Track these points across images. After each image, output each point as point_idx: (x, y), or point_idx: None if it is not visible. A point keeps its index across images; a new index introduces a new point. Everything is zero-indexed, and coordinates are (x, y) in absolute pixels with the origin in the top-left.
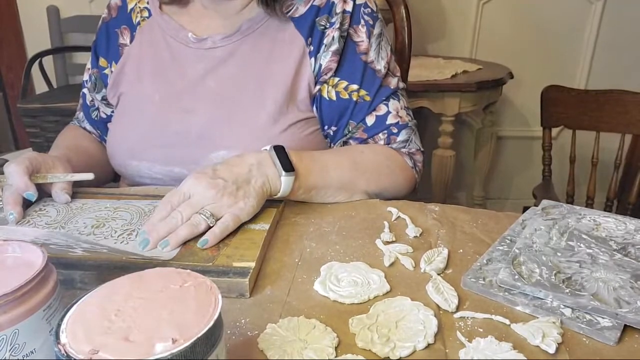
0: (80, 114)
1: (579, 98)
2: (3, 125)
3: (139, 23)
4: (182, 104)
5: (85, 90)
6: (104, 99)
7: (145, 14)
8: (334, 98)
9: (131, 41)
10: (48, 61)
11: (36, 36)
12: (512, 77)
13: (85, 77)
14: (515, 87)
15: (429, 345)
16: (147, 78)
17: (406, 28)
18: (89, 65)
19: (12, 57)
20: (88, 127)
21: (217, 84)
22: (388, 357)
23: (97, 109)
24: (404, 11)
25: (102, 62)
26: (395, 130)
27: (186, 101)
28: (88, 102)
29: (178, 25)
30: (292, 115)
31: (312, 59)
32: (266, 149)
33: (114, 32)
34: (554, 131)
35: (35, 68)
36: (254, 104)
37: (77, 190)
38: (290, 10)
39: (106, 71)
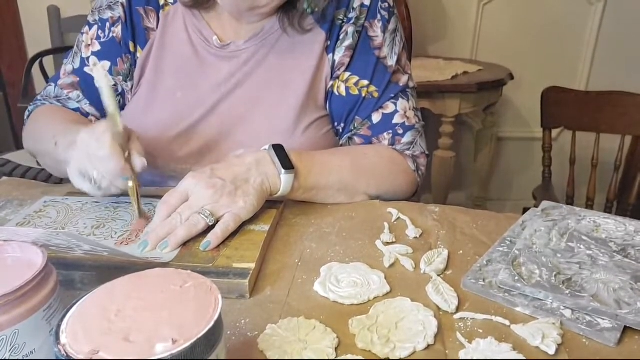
0: (73, 93)
1: (579, 99)
2: (3, 125)
3: (162, 7)
4: (204, 104)
5: (87, 69)
6: (131, 87)
7: None
8: (344, 94)
9: (157, 25)
10: (48, 61)
11: (37, 36)
12: (512, 78)
13: (86, 53)
14: (516, 88)
15: (428, 346)
16: (167, 71)
17: (407, 28)
18: (87, 42)
19: (12, 56)
20: (87, 108)
21: (240, 86)
22: (388, 358)
23: (121, 94)
24: (404, 11)
25: (132, 46)
26: (400, 131)
27: (208, 101)
28: (97, 84)
29: (204, 23)
30: (312, 113)
31: (330, 54)
32: (265, 149)
33: (136, 12)
34: (554, 132)
35: (35, 68)
36: (277, 103)
37: (77, 190)
38: (310, 27)
39: (137, 56)
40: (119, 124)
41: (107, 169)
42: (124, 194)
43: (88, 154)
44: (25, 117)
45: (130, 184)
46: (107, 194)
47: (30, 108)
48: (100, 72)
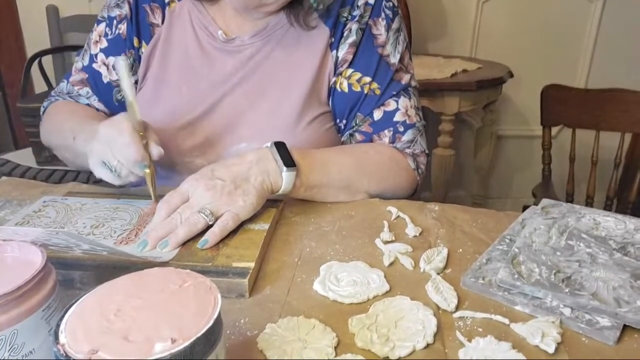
0: (83, 89)
1: (579, 97)
2: (3, 125)
3: (168, 3)
4: (208, 99)
5: (96, 66)
6: (135, 82)
7: None
8: (346, 90)
9: (162, 21)
10: (47, 61)
11: (35, 35)
12: (512, 76)
13: (94, 50)
14: (515, 86)
15: (428, 345)
16: (173, 66)
17: (406, 26)
18: (96, 38)
19: (11, 56)
20: (96, 104)
21: (244, 80)
22: (387, 357)
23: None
24: (404, 9)
25: (136, 41)
26: (401, 129)
27: (212, 96)
28: (105, 80)
29: (209, 18)
30: (315, 109)
31: (334, 51)
32: (267, 146)
33: (142, 9)
34: (554, 130)
35: (34, 67)
36: (280, 99)
37: (76, 190)
38: (314, 23)
39: (141, 51)
40: (137, 113)
41: (127, 157)
42: (133, 193)
43: (109, 144)
44: (41, 113)
45: (148, 170)
46: (126, 182)
47: (44, 104)
48: (121, 63)
